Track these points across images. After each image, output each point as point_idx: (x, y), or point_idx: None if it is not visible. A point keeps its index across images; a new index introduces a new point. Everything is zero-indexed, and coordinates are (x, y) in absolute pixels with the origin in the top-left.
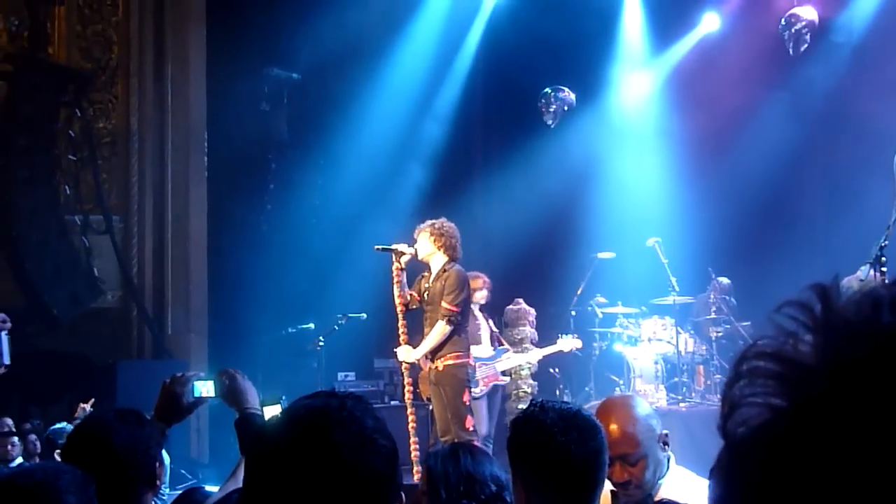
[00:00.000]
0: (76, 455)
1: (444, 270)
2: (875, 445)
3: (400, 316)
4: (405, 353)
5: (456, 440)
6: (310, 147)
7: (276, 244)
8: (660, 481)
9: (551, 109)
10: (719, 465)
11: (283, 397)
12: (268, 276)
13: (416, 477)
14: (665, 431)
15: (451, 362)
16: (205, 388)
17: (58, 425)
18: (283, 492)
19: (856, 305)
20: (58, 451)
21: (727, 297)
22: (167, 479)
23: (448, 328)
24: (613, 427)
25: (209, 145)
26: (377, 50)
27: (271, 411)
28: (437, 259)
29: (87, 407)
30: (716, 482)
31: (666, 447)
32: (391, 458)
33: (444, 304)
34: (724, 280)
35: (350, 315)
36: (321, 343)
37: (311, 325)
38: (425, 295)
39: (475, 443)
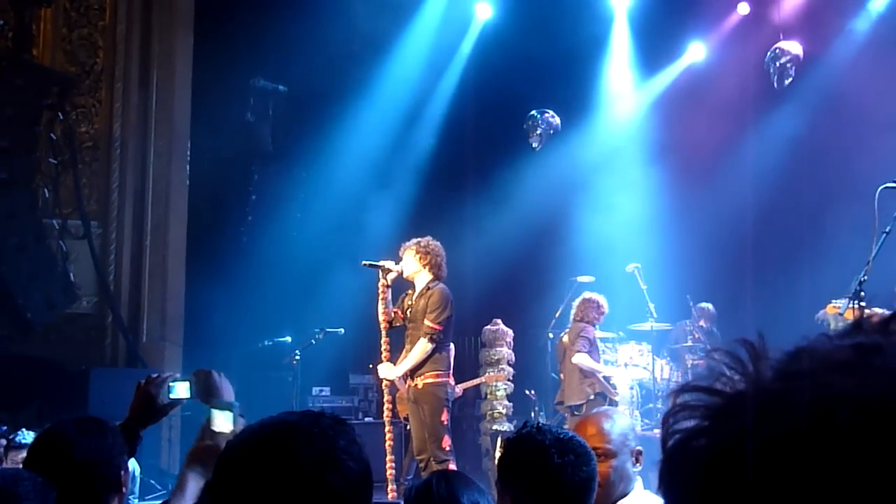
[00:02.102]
0: (38, 469)
1: (428, 288)
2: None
3: (383, 333)
4: (386, 371)
5: (433, 459)
6: (293, 160)
7: (255, 256)
8: (625, 498)
9: (537, 132)
10: (659, 475)
11: (237, 404)
12: (246, 288)
13: (391, 496)
14: (640, 448)
15: (430, 381)
16: (180, 389)
17: (19, 433)
18: (240, 499)
19: (776, 370)
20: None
21: (709, 326)
22: (137, 488)
23: (430, 346)
24: (592, 424)
25: (192, 154)
26: (365, 65)
27: (219, 416)
28: (421, 277)
29: None
30: (659, 488)
31: (636, 464)
32: (358, 482)
33: (426, 321)
34: (711, 307)
35: (328, 330)
36: (297, 357)
37: (288, 339)
38: (408, 312)
39: (451, 463)
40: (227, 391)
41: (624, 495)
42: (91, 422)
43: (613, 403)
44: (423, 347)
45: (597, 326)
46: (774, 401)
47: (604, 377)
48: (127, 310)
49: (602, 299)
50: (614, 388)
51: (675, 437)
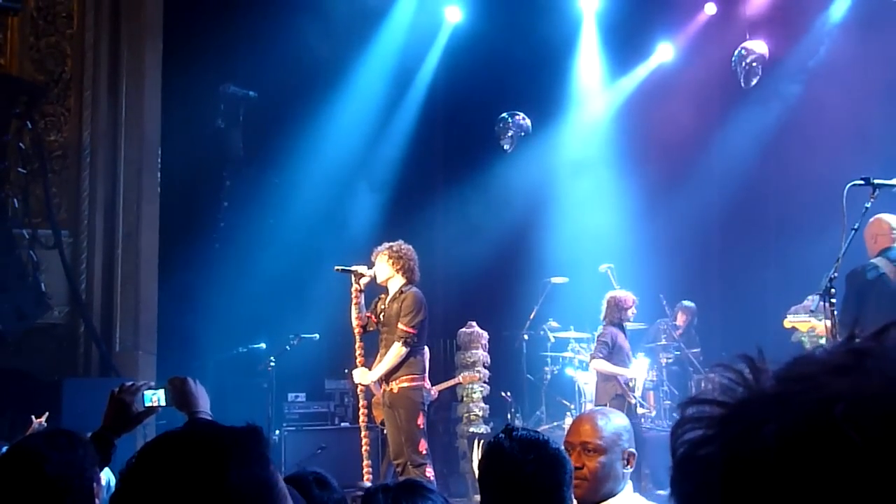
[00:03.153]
0: (7, 487)
1: (402, 292)
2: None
3: (357, 338)
4: (361, 376)
5: (409, 463)
6: (265, 166)
7: (228, 263)
8: (613, 498)
9: (508, 134)
10: (670, 485)
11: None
12: (220, 295)
13: None
14: (633, 450)
15: (406, 384)
16: (155, 397)
17: None
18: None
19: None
20: None
21: (688, 324)
22: (105, 496)
23: (404, 350)
24: (587, 420)
25: (163, 161)
26: (335, 70)
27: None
28: (394, 281)
29: (42, 422)
30: (671, 492)
31: (628, 465)
32: None
33: (400, 325)
34: (692, 305)
35: (303, 335)
36: (272, 363)
37: (263, 345)
38: (381, 316)
39: (428, 467)
40: (203, 399)
41: (611, 495)
42: (61, 435)
43: (631, 406)
44: (397, 352)
45: (624, 324)
46: (774, 402)
47: (624, 381)
48: (99, 319)
49: (623, 295)
50: (633, 390)
51: (683, 448)
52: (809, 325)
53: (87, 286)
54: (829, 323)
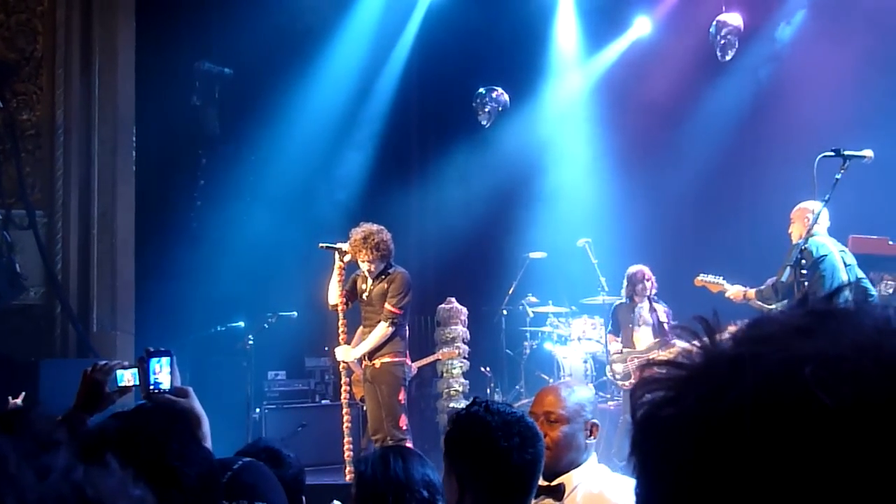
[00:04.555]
0: None
1: (388, 273)
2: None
3: (340, 315)
4: (343, 353)
5: (389, 438)
6: (241, 143)
7: (205, 241)
8: (577, 469)
9: (486, 110)
10: (630, 445)
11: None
12: (197, 274)
13: (349, 477)
14: (595, 421)
15: (388, 360)
16: (127, 376)
17: None
18: None
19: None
20: None
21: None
22: None
23: (390, 330)
24: (551, 391)
25: (137, 140)
26: (311, 46)
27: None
28: (377, 265)
29: (18, 402)
30: (631, 456)
31: (591, 436)
32: (198, 488)
33: (387, 306)
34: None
35: (281, 313)
36: (251, 341)
37: (241, 324)
38: (364, 296)
39: (407, 442)
40: (176, 378)
41: (575, 465)
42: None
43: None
44: (382, 331)
45: (638, 299)
46: (739, 364)
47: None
48: (76, 299)
49: (634, 269)
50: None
51: (644, 408)
52: (720, 287)
53: (63, 266)
54: (739, 287)
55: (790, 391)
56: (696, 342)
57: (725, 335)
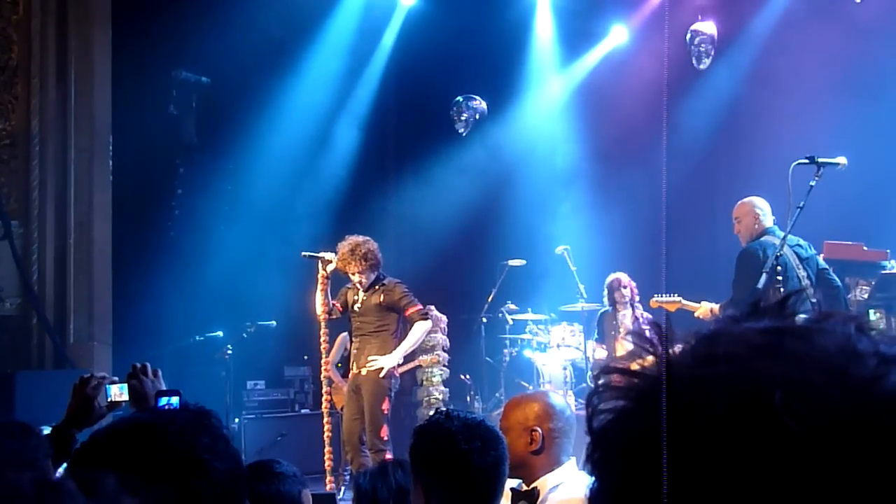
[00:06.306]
0: None
1: (382, 284)
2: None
3: (322, 324)
4: (387, 361)
5: (369, 448)
6: (219, 152)
7: (183, 250)
8: (552, 473)
9: (463, 118)
10: (589, 453)
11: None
12: (175, 283)
13: (329, 486)
14: (536, 428)
15: (377, 368)
16: (118, 391)
17: None
18: None
19: (685, 351)
20: None
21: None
22: None
23: (428, 324)
24: (505, 405)
25: (114, 149)
26: (289, 54)
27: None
28: (368, 275)
29: None
30: (587, 464)
31: (531, 444)
32: (226, 482)
33: (409, 311)
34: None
35: (259, 323)
36: (230, 351)
37: (220, 333)
38: (355, 307)
39: (387, 453)
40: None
41: (545, 470)
42: (15, 425)
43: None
44: (423, 328)
45: (620, 307)
46: (703, 385)
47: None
48: (53, 310)
49: (611, 277)
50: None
51: (602, 416)
52: (678, 305)
53: (40, 277)
54: (707, 305)
55: (760, 418)
56: (646, 350)
57: (678, 347)
